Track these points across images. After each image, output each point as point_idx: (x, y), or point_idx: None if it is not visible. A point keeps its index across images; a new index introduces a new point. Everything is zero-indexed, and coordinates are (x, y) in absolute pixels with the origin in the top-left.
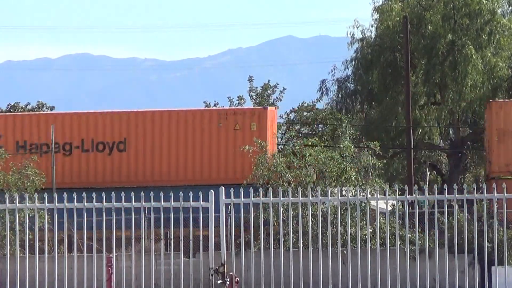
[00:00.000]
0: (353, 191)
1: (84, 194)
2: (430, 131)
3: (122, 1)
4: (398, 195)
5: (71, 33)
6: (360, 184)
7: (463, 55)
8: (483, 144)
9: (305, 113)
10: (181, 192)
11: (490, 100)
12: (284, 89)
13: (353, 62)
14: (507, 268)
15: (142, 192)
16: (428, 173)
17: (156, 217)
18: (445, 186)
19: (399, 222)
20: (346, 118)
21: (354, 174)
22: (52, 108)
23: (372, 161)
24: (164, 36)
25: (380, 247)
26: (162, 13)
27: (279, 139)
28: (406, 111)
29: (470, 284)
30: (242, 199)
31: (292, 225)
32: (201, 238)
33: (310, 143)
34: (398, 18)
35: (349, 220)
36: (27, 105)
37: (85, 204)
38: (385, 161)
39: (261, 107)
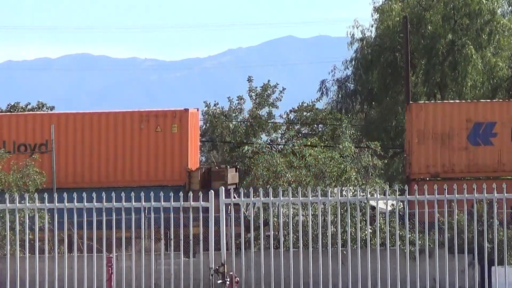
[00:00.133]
0: (353, 190)
1: (84, 194)
2: None
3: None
4: (398, 195)
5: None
6: (360, 184)
7: (463, 55)
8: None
9: (305, 113)
10: (181, 192)
11: (410, 102)
12: (284, 89)
13: (353, 62)
14: (507, 268)
15: (142, 192)
16: None
17: (156, 217)
18: (445, 186)
19: (399, 222)
20: (346, 118)
21: (354, 174)
22: (52, 108)
23: (374, 161)
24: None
25: (380, 247)
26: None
27: (279, 139)
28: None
29: (470, 284)
30: (243, 199)
31: (292, 225)
32: (201, 238)
33: (310, 143)
34: (398, 18)
35: (349, 220)
36: (27, 105)
37: (85, 204)
38: (385, 161)
39: (182, 108)
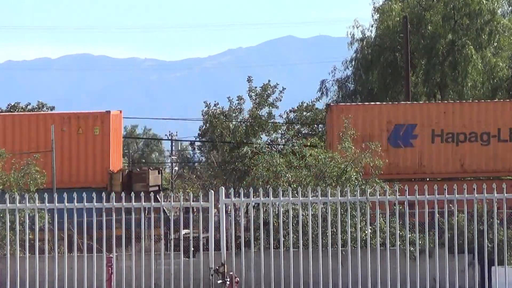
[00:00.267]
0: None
1: (84, 194)
2: None
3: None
4: (398, 195)
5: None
6: (360, 184)
7: (463, 55)
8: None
9: (305, 113)
10: (181, 192)
11: (331, 104)
12: (283, 89)
13: (353, 62)
14: (507, 268)
15: (142, 192)
16: None
17: (156, 217)
18: (445, 186)
19: (399, 222)
20: (346, 118)
21: (354, 174)
22: (52, 108)
23: (376, 161)
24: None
25: (380, 247)
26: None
27: (279, 139)
28: None
29: (470, 284)
30: (243, 199)
31: (292, 225)
32: (201, 238)
33: (309, 143)
34: (398, 18)
35: (349, 220)
36: (27, 105)
37: (85, 204)
38: (386, 160)
39: (104, 111)
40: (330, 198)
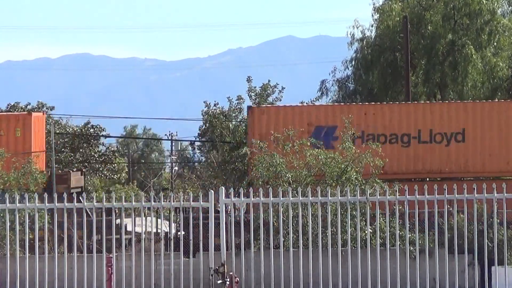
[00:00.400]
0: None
1: (84, 194)
2: None
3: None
4: (398, 195)
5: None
6: (360, 184)
7: (463, 55)
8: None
9: None
10: (181, 192)
11: (251, 106)
12: (283, 88)
13: (353, 62)
14: (507, 268)
15: (142, 192)
16: None
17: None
18: (445, 186)
19: (399, 222)
20: (346, 118)
21: (354, 174)
22: (52, 108)
23: (377, 161)
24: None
25: (380, 247)
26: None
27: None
28: None
29: (470, 284)
30: (242, 199)
31: (292, 225)
32: (201, 238)
33: (309, 143)
34: (398, 18)
35: (349, 220)
36: (27, 105)
37: (85, 204)
38: (387, 159)
39: (26, 112)
40: (330, 198)
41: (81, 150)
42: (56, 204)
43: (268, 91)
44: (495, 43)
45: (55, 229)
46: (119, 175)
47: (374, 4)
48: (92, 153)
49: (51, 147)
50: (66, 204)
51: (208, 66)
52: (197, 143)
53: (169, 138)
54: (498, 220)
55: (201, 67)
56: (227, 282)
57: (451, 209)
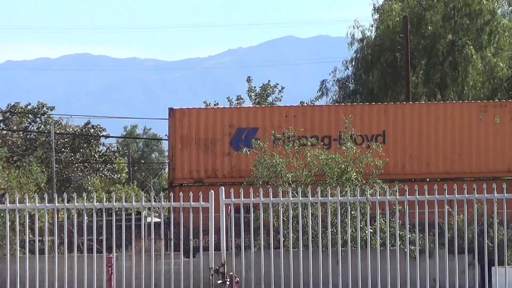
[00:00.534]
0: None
1: (84, 194)
2: None
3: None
4: (398, 195)
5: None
6: (361, 184)
7: (463, 55)
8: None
9: None
10: (181, 192)
11: (173, 108)
12: (282, 88)
13: (353, 62)
14: (507, 268)
15: (142, 192)
16: None
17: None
18: (445, 186)
19: (399, 222)
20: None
21: (354, 174)
22: (52, 108)
23: (376, 162)
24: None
25: (380, 247)
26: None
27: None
28: None
29: (470, 284)
30: (242, 199)
31: (292, 225)
32: (201, 238)
33: (310, 143)
34: (398, 18)
35: (349, 221)
36: (27, 105)
37: (85, 204)
38: (387, 159)
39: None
40: (330, 198)
41: (81, 150)
42: (56, 204)
43: (268, 91)
44: (495, 43)
45: (55, 229)
46: (119, 175)
47: (374, 4)
48: (92, 153)
49: (51, 147)
50: (66, 204)
51: (208, 66)
52: None
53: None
54: (498, 220)
55: (201, 67)
56: (227, 282)
57: (451, 209)
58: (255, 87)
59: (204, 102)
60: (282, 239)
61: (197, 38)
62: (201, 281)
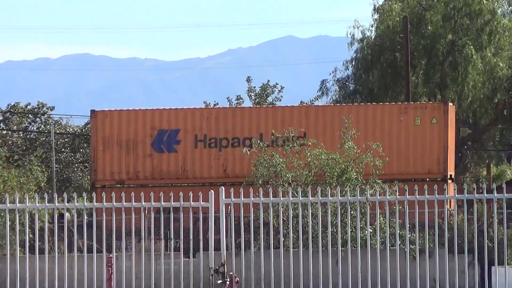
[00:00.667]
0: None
1: (84, 194)
2: None
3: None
4: (398, 195)
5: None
6: (361, 184)
7: (463, 55)
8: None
9: None
10: (181, 192)
11: (95, 110)
12: (282, 87)
13: (353, 62)
14: (507, 268)
15: (142, 192)
16: None
17: (156, 217)
18: (445, 186)
19: (399, 222)
20: (346, 118)
21: (354, 174)
22: (52, 108)
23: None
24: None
25: (380, 247)
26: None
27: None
28: None
29: (470, 284)
30: (242, 199)
31: (292, 225)
32: (201, 238)
33: (310, 143)
34: (398, 18)
35: (349, 221)
36: (27, 105)
37: (85, 204)
38: (387, 159)
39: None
40: (330, 198)
41: (81, 150)
42: (56, 204)
43: (268, 91)
44: (495, 43)
45: (55, 229)
46: None
47: (374, 4)
48: None
49: (51, 147)
50: (66, 204)
51: (208, 66)
52: None
53: None
54: (498, 220)
55: (201, 67)
56: (227, 282)
57: (451, 209)
58: (255, 87)
59: (204, 102)
60: (282, 239)
61: (197, 38)
62: (201, 281)
